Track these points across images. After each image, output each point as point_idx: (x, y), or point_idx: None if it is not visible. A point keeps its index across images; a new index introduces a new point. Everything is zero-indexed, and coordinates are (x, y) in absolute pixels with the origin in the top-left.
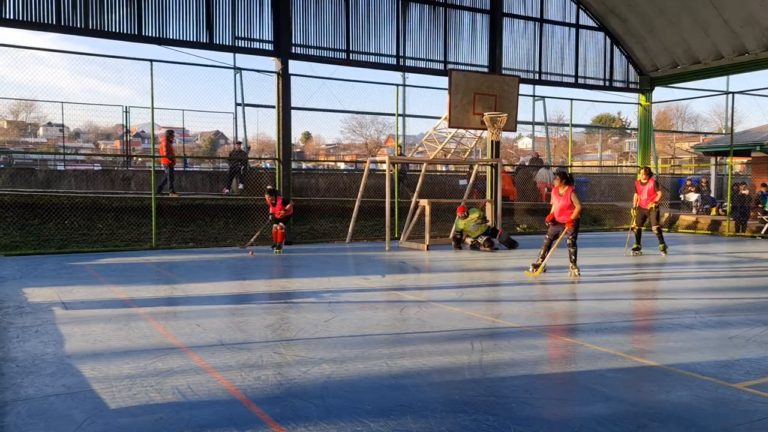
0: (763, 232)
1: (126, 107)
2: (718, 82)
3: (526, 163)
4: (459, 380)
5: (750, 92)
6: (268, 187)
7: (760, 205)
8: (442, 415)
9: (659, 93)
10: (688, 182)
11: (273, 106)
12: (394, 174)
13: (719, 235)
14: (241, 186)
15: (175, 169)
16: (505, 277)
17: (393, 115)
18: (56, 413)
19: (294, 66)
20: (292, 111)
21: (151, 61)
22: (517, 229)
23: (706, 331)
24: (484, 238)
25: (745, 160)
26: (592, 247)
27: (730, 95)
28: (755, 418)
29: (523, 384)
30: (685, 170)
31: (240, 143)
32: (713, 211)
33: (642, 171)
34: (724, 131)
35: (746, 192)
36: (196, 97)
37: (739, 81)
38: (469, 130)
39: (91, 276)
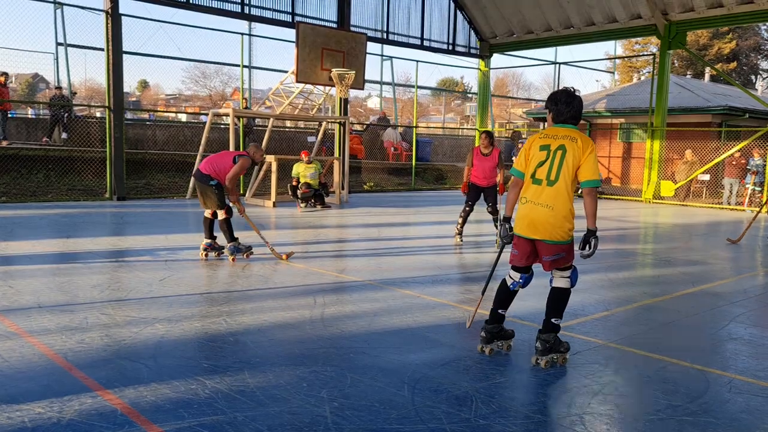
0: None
1: None
2: (548, 53)
3: (374, 122)
4: (299, 335)
5: (572, 63)
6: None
7: None
8: (281, 369)
9: (497, 60)
10: (519, 145)
11: (102, 49)
12: (239, 128)
13: None
14: (64, 135)
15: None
16: (350, 233)
17: (238, 66)
18: None
19: (126, 5)
20: (125, 55)
21: None
22: (365, 186)
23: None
24: (316, 198)
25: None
26: (435, 205)
27: (557, 65)
28: (573, 352)
29: (362, 335)
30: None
31: (60, 88)
32: None
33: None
34: None
35: None
36: (7, 34)
37: (565, 52)
38: (318, 86)
39: None
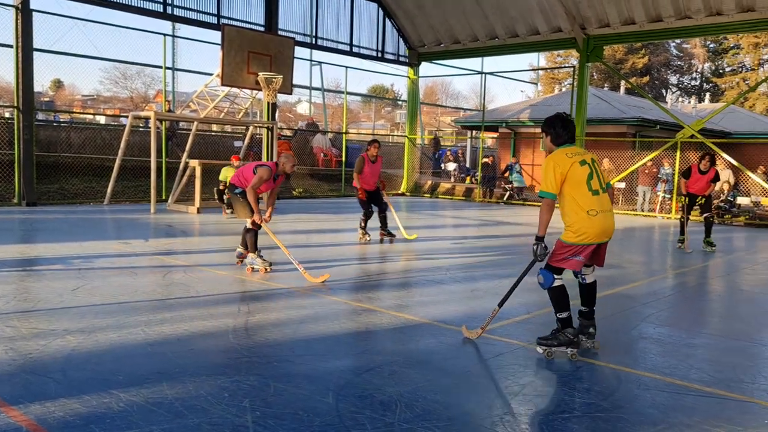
0: (505, 198)
1: None
2: (475, 63)
3: (303, 128)
4: (222, 344)
5: (498, 74)
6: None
7: (506, 175)
8: (202, 379)
9: (426, 68)
10: (448, 153)
11: (10, 46)
12: (161, 131)
13: (472, 200)
14: None
15: None
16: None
17: (160, 67)
18: None
19: (38, 0)
20: (36, 53)
21: None
22: (294, 192)
23: (454, 286)
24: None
25: (495, 134)
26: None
27: (484, 75)
28: (484, 358)
29: (287, 343)
30: (446, 142)
31: None
32: (468, 180)
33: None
34: (479, 108)
35: (488, 161)
36: None
37: (492, 63)
38: (244, 90)
39: None
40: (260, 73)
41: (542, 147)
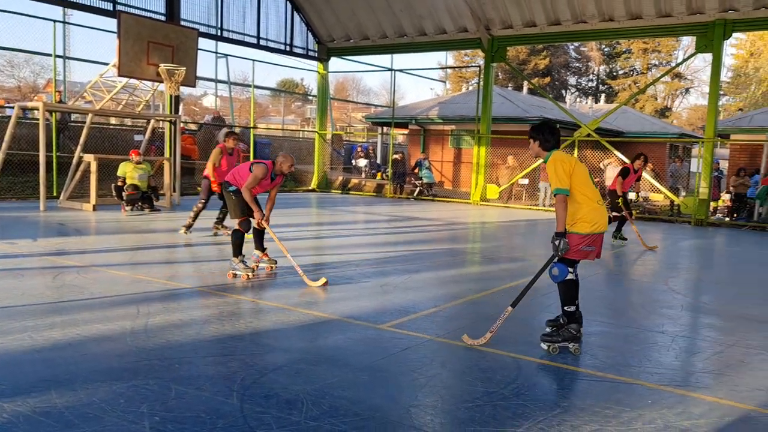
0: (415, 194)
1: None
2: (386, 60)
3: (208, 122)
4: (118, 347)
5: (407, 71)
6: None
7: (416, 171)
8: (96, 385)
9: (337, 64)
10: (359, 149)
11: None
12: (51, 123)
13: (382, 196)
14: None
15: None
16: (180, 238)
17: (50, 55)
18: None
19: None
20: None
21: None
22: (198, 189)
23: (364, 282)
24: (145, 201)
25: (405, 131)
26: (277, 207)
27: (393, 72)
28: (392, 352)
29: (190, 344)
30: (357, 138)
31: None
32: (378, 176)
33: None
34: (389, 104)
35: (398, 158)
36: None
37: (401, 60)
38: (144, 82)
39: None
40: (161, 65)
41: (531, 151)
